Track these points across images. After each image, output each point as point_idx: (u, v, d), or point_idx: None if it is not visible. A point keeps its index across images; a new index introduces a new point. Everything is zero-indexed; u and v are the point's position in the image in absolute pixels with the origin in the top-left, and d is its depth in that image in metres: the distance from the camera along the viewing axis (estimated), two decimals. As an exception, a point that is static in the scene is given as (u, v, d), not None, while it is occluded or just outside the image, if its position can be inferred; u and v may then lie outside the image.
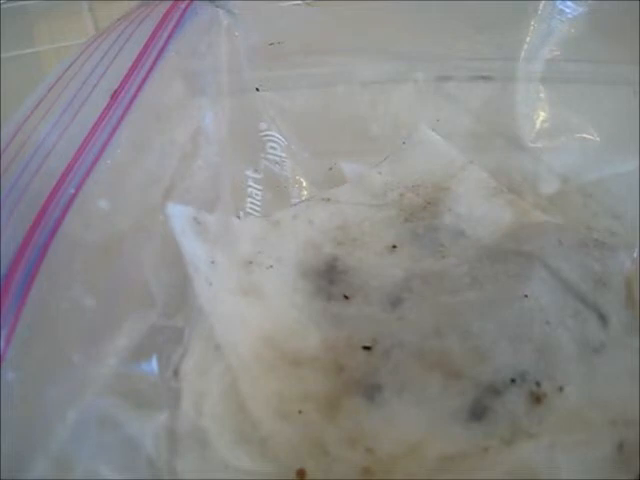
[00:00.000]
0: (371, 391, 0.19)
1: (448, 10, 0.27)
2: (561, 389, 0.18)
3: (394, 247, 0.23)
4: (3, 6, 0.40)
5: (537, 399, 0.18)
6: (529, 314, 0.20)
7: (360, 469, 0.17)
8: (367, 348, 0.20)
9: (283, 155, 0.27)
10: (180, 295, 0.20)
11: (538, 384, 0.18)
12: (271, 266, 0.22)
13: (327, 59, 0.28)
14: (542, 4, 0.27)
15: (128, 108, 0.21)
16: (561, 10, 0.27)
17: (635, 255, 0.22)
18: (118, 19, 0.25)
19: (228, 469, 0.18)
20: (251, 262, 0.22)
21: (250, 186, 0.25)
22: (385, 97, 0.28)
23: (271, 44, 0.27)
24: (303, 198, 0.26)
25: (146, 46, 0.23)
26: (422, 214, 0.24)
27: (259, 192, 0.25)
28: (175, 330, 0.19)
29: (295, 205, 0.25)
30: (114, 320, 0.18)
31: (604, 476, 0.16)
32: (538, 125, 0.26)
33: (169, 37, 0.23)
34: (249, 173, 0.26)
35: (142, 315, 0.19)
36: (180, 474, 0.17)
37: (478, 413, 0.18)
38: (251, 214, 0.25)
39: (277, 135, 0.27)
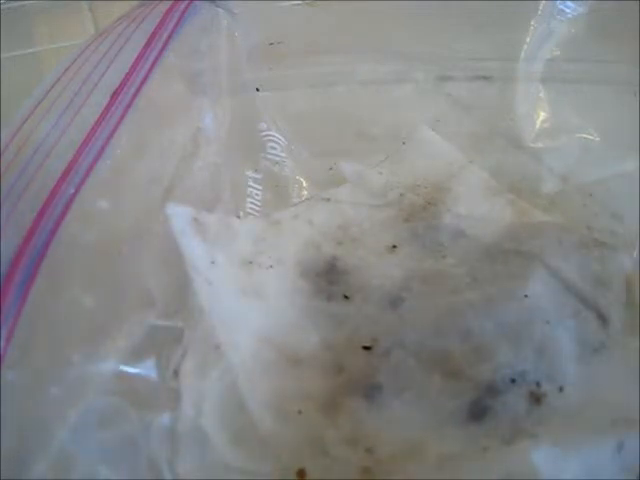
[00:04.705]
0: (371, 391, 0.19)
1: (448, 10, 0.27)
2: (561, 389, 0.18)
3: (394, 247, 0.23)
4: (3, 6, 0.40)
5: (537, 399, 0.18)
6: (529, 314, 0.20)
7: (360, 469, 0.17)
8: (367, 348, 0.20)
9: (283, 155, 0.27)
10: (180, 295, 0.20)
11: (538, 384, 0.18)
12: (271, 266, 0.22)
13: (327, 59, 0.28)
14: (542, 4, 0.27)
15: (128, 108, 0.21)
16: (561, 10, 0.26)
17: (635, 255, 0.22)
18: (118, 19, 0.25)
19: (228, 469, 0.18)
20: (251, 262, 0.22)
21: (250, 186, 0.25)
22: (385, 97, 0.28)
23: (271, 44, 0.27)
24: (303, 198, 0.26)
25: (146, 46, 0.23)
26: (422, 214, 0.24)
27: (259, 192, 0.25)
28: (175, 330, 0.19)
29: (295, 205, 0.25)
30: (114, 320, 0.18)
31: (604, 476, 0.16)
32: (538, 125, 0.26)
33: (169, 37, 0.23)
34: (249, 173, 0.26)
35: (142, 315, 0.19)
36: (180, 474, 0.17)
37: (478, 413, 0.18)
38: (251, 214, 0.25)
39: (277, 135, 0.27)
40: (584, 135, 0.26)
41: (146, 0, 0.26)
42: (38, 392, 0.16)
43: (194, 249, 0.20)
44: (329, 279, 0.22)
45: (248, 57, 0.27)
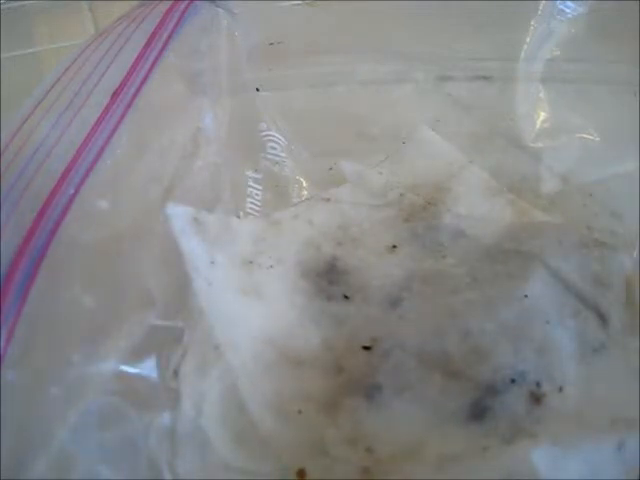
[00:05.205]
0: (371, 391, 0.19)
1: (448, 10, 0.27)
2: (561, 389, 0.18)
3: (394, 247, 0.23)
4: (3, 6, 0.40)
5: (537, 399, 0.18)
6: (529, 314, 0.20)
7: (360, 469, 0.17)
8: (367, 348, 0.20)
9: (283, 155, 0.27)
10: (180, 295, 0.20)
11: (538, 384, 0.18)
12: (271, 266, 0.22)
13: (327, 59, 0.28)
14: (542, 4, 0.27)
15: (128, 108, 0.21)
16: (561, 10, 0.27)
17: (635, 255, 0.22)
18: (118, 19, 0.25)
19: (228, 469, 0.18)
20: (251, 262, 0.22)
21: (250, 186, 0.25)
22: (385, 97, 0.28)
23: (271, 44, 0.27)
24: (303, 198, 0.26)
25: (146, 46, 0.23)
26: (422, 214, 0.24)
27: (259, 192, 0.25)
28: (175, 330, 0.19)
29: (295, 205, 0.25)
30: (114, 320, 0.18)
31: (604, 476, 0.16)
32: (538, 125, 0.26)
33: (169, 37, 0.23)
34: (249, 173, 0.26)
35: (142, 315, 0.19)
36: (180, 474, 0.17)
37: (478, 413, 0.18)
38: (251, 214, 0.25)
39: (277, 135, 0.27)
40: (584, 135, 0.26)
41: (146, 0, 0.26)
42: (38, 392, 0.16)
43: (194, 249, 0.20)
44: (329, 279, 0.22)
45: (248, 57, 0.27)
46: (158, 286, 0.19)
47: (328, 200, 0.25)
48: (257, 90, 0.27)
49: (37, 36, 0.40)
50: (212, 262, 0.21)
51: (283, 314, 0.21)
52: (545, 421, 0.18)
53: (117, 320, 0.18)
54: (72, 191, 0.18)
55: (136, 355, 0.18)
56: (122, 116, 0.21)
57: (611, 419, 0.17)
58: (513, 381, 0.19)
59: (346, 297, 0.22)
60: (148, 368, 0.18)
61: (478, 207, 0.24)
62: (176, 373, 0.19)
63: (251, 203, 0.25)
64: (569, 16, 0.26)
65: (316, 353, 0.20)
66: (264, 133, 0.27)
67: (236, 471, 0.18)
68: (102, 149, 0.20)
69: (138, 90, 0.21)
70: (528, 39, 0.27)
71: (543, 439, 0.17)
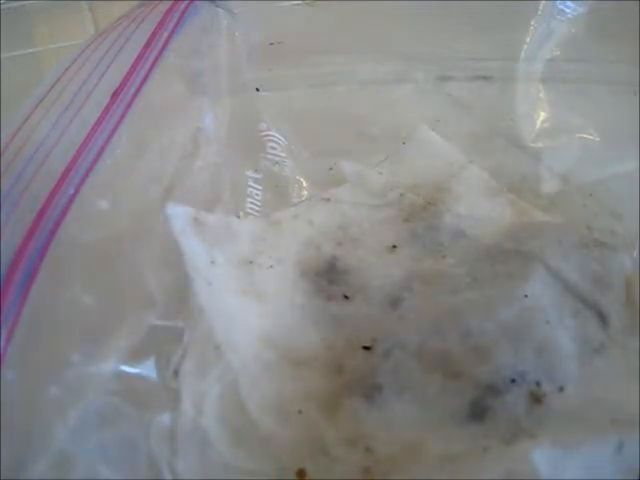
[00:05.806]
0: (371, 391, 0.19)
1: (448, 10, 0.27)
2: (561, 389, 0.18)
3: (394, 247, 0.23)
4: (3, 6, 0.40)
5: (537, 399, 0.18)
6: (529, 314, 0.20)
7: (360, 469, 0.17)
8: (367, 348, 0.20)
9: (283, 155, 0.27)
10: (180, 295, 0.20)
11: (538, 384, 0.18)
12: (271, 266, 0.22)
13: (327, 59, 0.28)
14: (542, 4, 0.27)
15: (128, 108, 0.21)
16: (561, 10, 0.27)
17: (635, 255, 0.22)
18: (118, 19, 0.25)
19: (228, 469, 0.18)
20: (251, 262, 0.22)
21: (250, 186, 0.25)
22: (385, 97, 0.28)
23: (271, 44, 0.27)
24: (303, 198, 0.26)
25: (146, 46, 0.23)
26: (422, 214, 0.24)
27: (259, 192, 0.25)
28: (175, 330, 0.19)
29: (295, 205, 0.25)
30: (114, 320, 0.18)
31: (604, 476, 0.16)
32: (538, 125, 0.26)
33: (169, 37, 0.23)
34: (249, 173, 0.26)
35: (142, 315, 0.19)
36: (180, 474, 0.17)
37: (478, 413, 0.18)
38: (251, 214, 0.25)
39: (277, 135, 0.27)
40: (584, 135, 0.26)
41: (146, 0, 0.26)
42: (38, 392, 0.16)
43: (194, 249, 0.21)
44: (329, 279, 0.22)
45: (248, 57, 0.27)
46: (158, 286, 0.19)
47: (328, 200, 0.25)
48: (257, 90, 0.27)
49: (37, 36, 0.40)
50: (212, 262, 0.21)
51: (283, 314, 0.21)
52: (545, 421, 0.18)
53: (117, 320, 0.18)
54: (72, 191, 0.18)
55: (136, 355, 0.18)
56: (122, 116, 0.21)
57: (611, 419, 0.17)
58: (513, 381, 0.19)
59: (346, 297, 0.22)
60: (148, 368, 0.18)
61: (478, 207, 0.24)
62: (176, 373, 0.19)
63: (251, 203, 0.25)
64: (569, 16, 0.26)
65: (316, 353, 0.20)
66: (264, 133, 0.27)
67: (236, 471, 0.18)
68: (102, 149, 0.20)
69: (138, 90, 0.21)
70: (528, 39, 0.27)
71: (543, 439, 0.17)
